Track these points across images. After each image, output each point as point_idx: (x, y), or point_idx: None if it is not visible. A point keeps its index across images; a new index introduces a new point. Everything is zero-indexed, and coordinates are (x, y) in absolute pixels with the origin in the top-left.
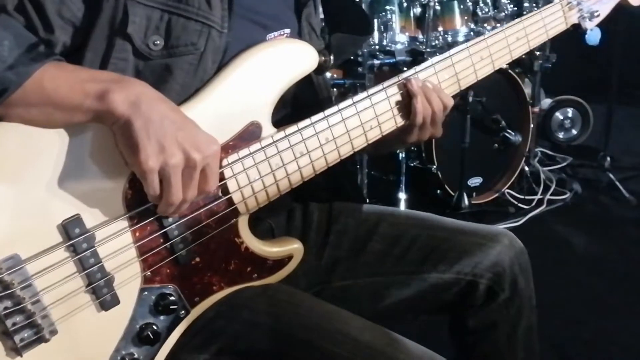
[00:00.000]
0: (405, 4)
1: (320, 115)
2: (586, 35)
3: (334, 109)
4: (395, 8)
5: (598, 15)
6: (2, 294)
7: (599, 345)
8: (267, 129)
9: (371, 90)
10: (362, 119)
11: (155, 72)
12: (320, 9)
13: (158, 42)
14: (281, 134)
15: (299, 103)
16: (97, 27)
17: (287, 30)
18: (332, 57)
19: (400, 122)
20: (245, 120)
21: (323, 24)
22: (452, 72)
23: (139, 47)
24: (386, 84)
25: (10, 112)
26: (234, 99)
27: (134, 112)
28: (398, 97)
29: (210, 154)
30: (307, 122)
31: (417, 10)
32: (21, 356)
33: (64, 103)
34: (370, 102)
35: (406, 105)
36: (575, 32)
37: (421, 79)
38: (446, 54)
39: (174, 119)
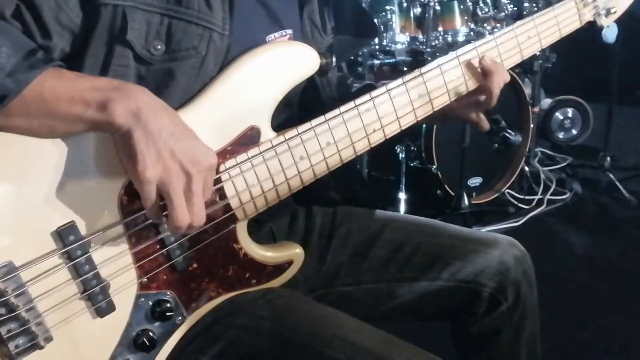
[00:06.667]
0: (405, 4)
1: (320, 118)
2: (602, 33)
3: (335, 111)
4: (395, 8)
5: (615, 12)
6: None
7: (599, 345)
8: (267, 133)
9: (373, 93)
10: (365, 121)
11: (157, 76)
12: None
13: (159, 46)
14: (280, 138)
15: (302, 105)
16: (96, 34)
17: (290, 31)
18: (333, 59)
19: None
20: (244, 125)
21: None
22: (458, 74)
23: (139, 53)
24: (391, 85)
25: (10, 123)
26: (233, 103)
27: (134, 123)
28: (405, 93)
29: (206, 167)
30: (307, 125)
31: (417, 10)
32: None
33: (65, 114)
34: (373, 104)
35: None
36: (576, 31)
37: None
38: (452, 54)
39: (173, 130)
